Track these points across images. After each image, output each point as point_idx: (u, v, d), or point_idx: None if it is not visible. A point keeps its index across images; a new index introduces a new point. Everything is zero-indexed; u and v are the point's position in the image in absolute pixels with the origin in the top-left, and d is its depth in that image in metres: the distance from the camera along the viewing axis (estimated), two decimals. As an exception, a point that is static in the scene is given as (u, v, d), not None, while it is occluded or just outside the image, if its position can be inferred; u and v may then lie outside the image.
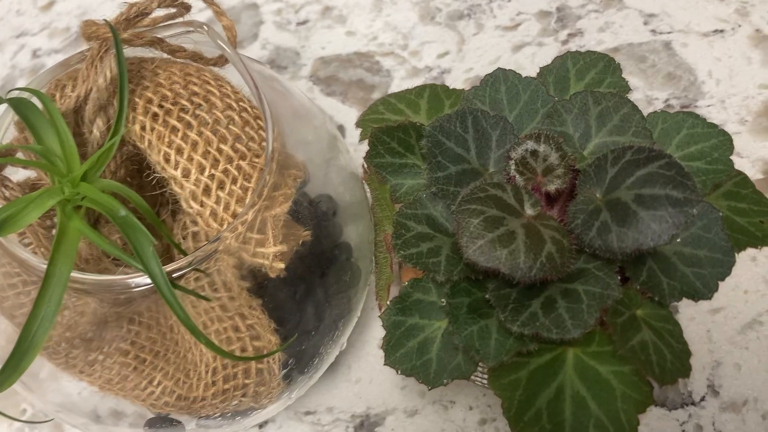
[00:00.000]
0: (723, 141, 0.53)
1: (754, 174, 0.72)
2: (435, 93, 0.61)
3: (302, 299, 0.56)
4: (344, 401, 0.66)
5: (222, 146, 0.46)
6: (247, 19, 0.87)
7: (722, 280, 0.48)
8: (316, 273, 0.57)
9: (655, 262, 0.49)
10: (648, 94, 0.78)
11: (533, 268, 0.45)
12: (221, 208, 0.45)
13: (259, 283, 0.54)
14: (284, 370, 0.55)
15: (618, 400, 0.47)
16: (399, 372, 0.50)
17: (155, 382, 0.57)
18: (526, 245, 0.46)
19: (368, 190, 0.58)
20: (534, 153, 0.52)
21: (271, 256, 0.46)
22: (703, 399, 0.63)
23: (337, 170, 0.58)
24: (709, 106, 0.77)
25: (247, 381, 0.54)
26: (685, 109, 0.78)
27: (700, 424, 0.62)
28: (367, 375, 0.67)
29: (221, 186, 0.45)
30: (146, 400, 0.56)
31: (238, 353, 0.54)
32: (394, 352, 0.50)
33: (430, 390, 0.48)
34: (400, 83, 0.82)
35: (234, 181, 0.45)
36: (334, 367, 0.67)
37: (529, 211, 0.49)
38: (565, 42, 0.82)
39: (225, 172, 0.45)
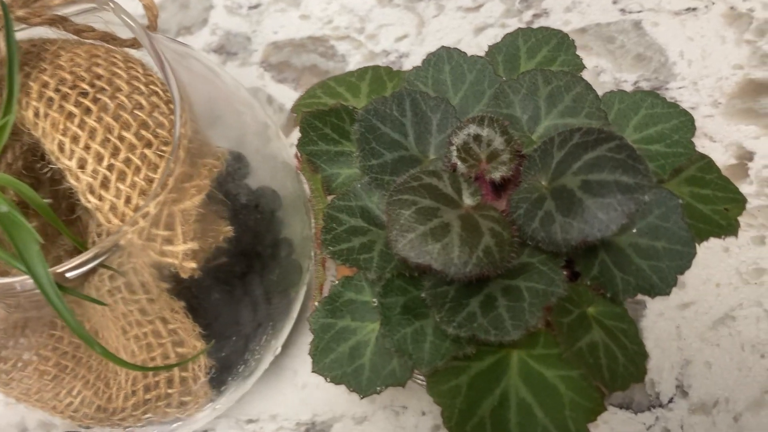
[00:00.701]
0: (684, 122, 0.49)
1: (726, 159, 0.68)
2: (377, 75, 0.56)
3: (230, 301, 0.51)
4: (289, 408, 0.61)
5: (124, 133, 0.41)
6: (197, 4, 0.83)
7: (681, 273, 0.44)
8: (246, 272, 0.52)
9: (608, 255, 0.45)
10: (616, 77, 0.74)
11: (468, 264, 0.41)
12: (122, 201, 0.40)
13: (181, 285, 0.49)
14: (212, 378, 0.51)
15: (566, 407, 0.42)
16: (328, 380, 0.45)
17: (75, 392, 0.52)
18: (461, 238, 0.41)
19: (305, 181, 0.53)
20: (477, 138, 0.47)
21: (181, 254, 0.41)
22: (671, 400, 0.58)
23: (271, 161, 0.54)
24: (680, 88, 0.73)
25: (170, 390, 0.50)
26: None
27: (667, 427, 0.58)
28: (314, 380, 0.62)
29: (122, 177, 0.41)
30: (64, 411, 0.52)
31: (159, 360, 0.49)
32: (323, 357, 0.45)
33: (362, 398, 0.44)
34: (355, 68, 0.77)
35: (137, 172, 0.41)
36: (278, 372, 0.62)
37: (468, 201, 0.44)
38: (530, 23, 0.78)
39: (126, 161, 0.41)
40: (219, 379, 0.51)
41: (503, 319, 0.41)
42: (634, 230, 0.45)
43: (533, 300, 0.42)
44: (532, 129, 0.49)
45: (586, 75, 0.73)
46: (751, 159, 0.68)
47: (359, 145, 0.47)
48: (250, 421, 0.61)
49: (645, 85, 0.73)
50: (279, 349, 0.55)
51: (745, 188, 0.66)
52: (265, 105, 0.76)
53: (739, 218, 0.64)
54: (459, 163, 0.47)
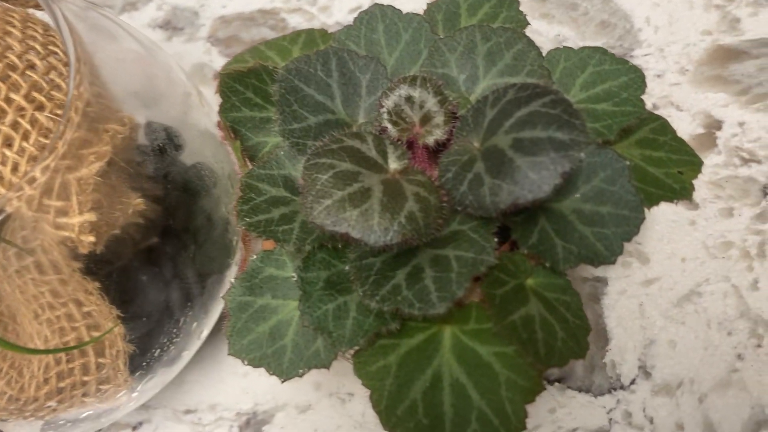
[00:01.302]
0: (634, 78, 0.45)
1: (694, 129, 0.64)
2: (311, 38, 0.53)
3: (150, 282, 0.48)
4: (229, 397, 0.58)
5: (13, 95, 0.38)
6: (144, -21, 0.79)
7: (628, 240, 0.40)
8: (169, 251, 0.49)
9: (549, 222, 0.41)
10: (579, 45, 0.70)
11: (389, 231, 0.37)
12: (8, 169, 0.36)
13: (96, 264, 0.46)
14: (132, 364, 0.47)
15: (502, 387, 0.39)
16: (246, 362, 0.42)
17: (-14, 382, 0.49)
18: (383, 204, 0.38)
19: (231, 152, 0.50)
20: (409, 99, 0.44)
21: (77, 227, 0.37)
22: (633, 382, 0.55)
23: (209, 137, 0.50)
24: (646, 55, 0.69)
25: (85, 378, 0.46)
26: (619, 60, 0.69)
27: (629, 410, 0.54)
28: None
29: (8, 143, 0.37)
30: (-24, 403, 0.48)
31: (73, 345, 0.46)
32: (241, 339, 0.42)
33: (283, 382, 0.40)
34: (306, 42, 0.74)
35: (26, 137, 0.37)
36: (218, 360, 0.59)
37: (394, 165, 0.41)
38: (489, -9, 0.73)
39: (14, 125, 0.37)
40: (140, 365, 0.47)
41: (429, 291, 0.38)
42: (578, 195, 0.42)
43: (461, 270, 0.38)
44: (470, 89, 0.46)
45: (548, 45, 0.69)
46: (719, 128, 0.64)
47: (279, 108, 0.43)
48: (188, 411, 0.58)
49: (609, 53, 0.69)
50: (205, 333, 0.51)
51: (713, 158, 0.63)
52: (210, 82, 0.73)
53: (707, 190, 0.60)
54: (390, 127, 0.44)
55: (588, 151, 0.42)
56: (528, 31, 0.47)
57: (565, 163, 0.36)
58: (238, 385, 0.58)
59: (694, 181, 0.62)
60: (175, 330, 0.47)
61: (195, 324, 0.49)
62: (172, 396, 0.58)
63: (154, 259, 0.49)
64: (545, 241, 0.41)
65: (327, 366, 0.41)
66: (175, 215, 0.50)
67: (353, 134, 0.41)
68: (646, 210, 0.42)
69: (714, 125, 0.64)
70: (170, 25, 0.77)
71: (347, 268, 0.40)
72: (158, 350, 0.47)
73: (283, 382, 0.41)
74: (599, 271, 0.59)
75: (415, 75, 0.44)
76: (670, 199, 0.43)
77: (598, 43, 0.70)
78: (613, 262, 0.40)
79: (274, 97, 0.43)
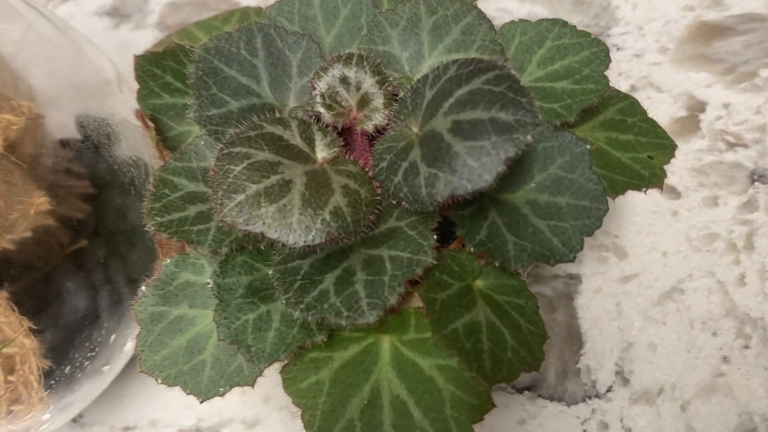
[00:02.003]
0: (596, 53, 0.40)
1: (676, 111, 0.59)
2: (246, 17, 0.48)
3: (66, 288, 0.43)
4: (171, 412, 0.53)
5: None
6: (92, -35, 0.74)
7: (589, 234, 0.35)
8: (88, 257, 0.44)
9: (501, 216, 0.36)
10: (552, 24, 0.65)
11: (311, 230, 0.32)
12: None
13: (3, 270, 0.41)
14: (47, 380, 0.42)
15: (446, 405, 0.34)
16: (159, 381, 0.37)
17: None
18: (304, 198, 0.33)
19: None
20: (344, 80, 0.39)
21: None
22: (609, 389, 0.50)
23: (120, 122, 0.45)
24: (624, 34, 0.64)
25: (-7, 398, 0.41)
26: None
27: (605, 420, 0.49)
28: (201, 378, 0.54)
29: None
30: None
31: (-23, 362, 0.41)
32: (153, 354, 0.37)
33: (201, 402, 0.35)
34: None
35: None
36: (159, 371, 0.54)
37: (323, 154, 0.36)
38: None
39: None
40: (57, 382, 0.42)
41: (359, 297, 0.33)
42: (533, 184, 0.37)
43: (395, 272, 0.33)
44: (414, 68, 0.41)
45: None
46: (702, 110, 0.59)
47: (195, 92, 0.38)
48: (127, 428, 0.53)
49: (584, 33, 0.64)
50: (129, 345, 0.46)
51: (696, 143, 0.58)
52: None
53: (690, 177, 0.56)
54: (324, 111, 0.39)
55: (544, 134, 0.37)
56: (496, 10, 0.42)
57: (509, 148, 0.31)
58: (181, 399, 0.53)
59: (677, 169, 0.57)
60: (88, 343, 0.42)
61: (113, 336, 0.44)
62: (109, 412, 0.53)
63: (71, 264, 0.44)
64: (495, 238, 0.36)
65: (251, 384, 0.37)
66: (96, 216, 0.45)
67: (275, 120, 0.36)
68: (611, 200, 0.38)
69: (697, 107, 0.59)
70: (118, 13, 0.72)
71: (271, 272, 0.35)
72: (75, 365, 0.42)
73: (201, 402, 0.36)
74: (572, 268, 0.54)
75: (351, 53, 0.39)
76: (638, 187, 0.38)
77: (572, 21, 0.65)
78: (572, 260, 0.35)
79: (190, 79, 0.39)
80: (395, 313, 0.35)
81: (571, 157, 0.36)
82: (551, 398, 0.50)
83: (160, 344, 0.37)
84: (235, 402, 0.53)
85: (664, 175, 0.39)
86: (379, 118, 0.39)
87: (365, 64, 0.39)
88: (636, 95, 0.61)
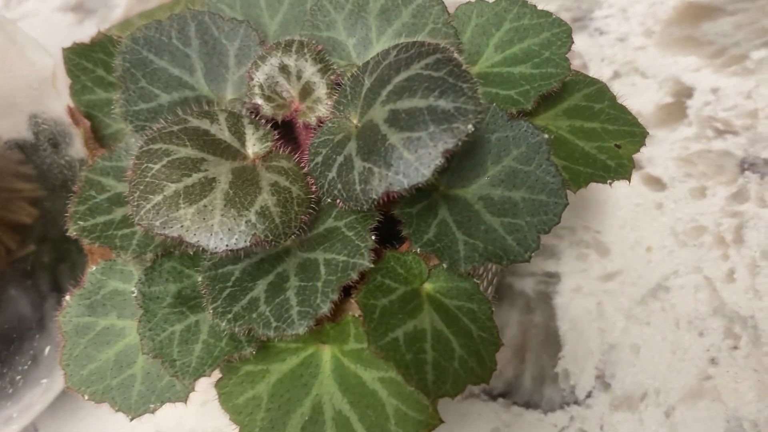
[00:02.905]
0: (558, 34, 0.37)
1: (661, 98, 0.56)
2: (193, 3, 0.45)
3: (9, 298, 0.40)
4: (128, 424, 0.50)
5: None
6: (58, -41, 0.71)
7: (546, 231, 0.32)
8: (18, 260, 0.41)
9: (452, 213, 0.33)
10: (532, 9, 0.61)
11: (234, 233, 0.29)
12: None
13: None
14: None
15: (390, 420, 0.31)
16: (86, 397, 0.34)
17: None
18: (228, 198, 0.30)
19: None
20: (284, 69, 0.36)
21: None
22: (589, 395, 0.47)
23: (56, 121, 0.42)
24: (607, 17, 0.61)
25: None
26: (577, 23, 0.61)
27: (584, 429, 0.46)
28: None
29: None
30: None
31: None
32: (80, 368, 0.34)
33: (131, 420, 0.33)
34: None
35: None
36: (117, 381, 0.51)
37: (255, 149, 0.33)
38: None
39: None
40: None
41: (290, 305, 0.30)
42: (486, 178, 0.34)
43: (329, 277, 0.30)
44: (362, 55, 0.38)
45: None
46: (689, 95, 0.56)
47: (122, 85, 0.36)
48: (83, 442, 0.50)
49: (566, 16, 0.61)
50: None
51: (683, 131, 0.54)
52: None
53: (676, 167, 0.52)
54: (263, 103, 0.36)
55: (498, 124, 0.34)
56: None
57: (448, 139, 0.28)
58: (140, 410, 0.51)
59: (662, 159, 0.54)
60: (19, 356, 0.40)
61: (48, 348, 0.41)
62: (64, 424, 0.51)
63: (17, 271, 0.42)
64: (444, 237, 0.33)
65: (183, 400, 0.34)
66: (45, 220, 0.42)
67: (202, 113, 0.33)
68: (584, 193, 0.34)
69: (684, 93, 0.56)
70: (82, 8, 0.69)
71: (200, 279, 0.33)
72: (11, 376, 0.40)
73: (131, 420, 0.34)
74: (551, 266, 0.51)
75: (291, 39, 0.36)
76: (602, 179, 0.35)
77: (553, 5, 0.62)
78: (527, 260, 0.32)
79: (116, 72, 0.36)
80: (334, 322, 0.32)
81: (527, 147, 0.33)
82: (527, 405, 0.47)
83: (86, 358, 0.34)
84: (194, 412, 0.50)
85: (632, 165, 0.36)
86: (322, 110, 0.36)
87: (306, 51, 0.36)
88: (619, 82, 0.58)
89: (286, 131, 0.37)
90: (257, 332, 0.30)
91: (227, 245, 0.29)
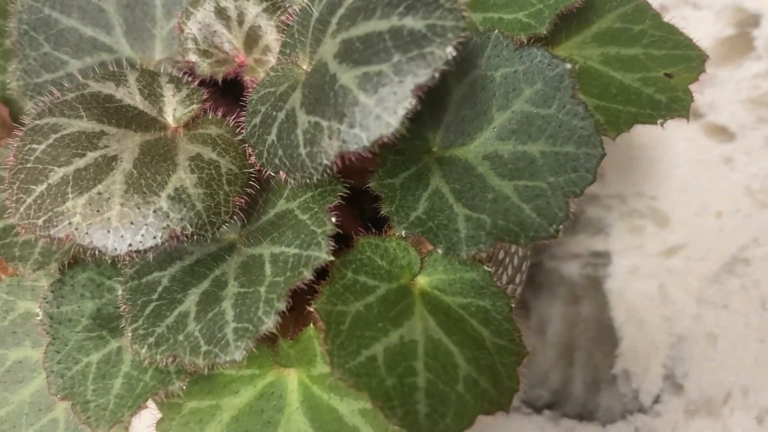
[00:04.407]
0: (577, -65, 0.28)
1: (720, 30, 0.46)
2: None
3: None
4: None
5: None
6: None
7: (577, 194, 0.24)
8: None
9: (448, 180, 0.25)
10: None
11: (140, 227, 0.22)
12: None
13: None
14: None
15: (379, 469, 0.22)
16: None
17: None
18: (131, 181, 0.22)
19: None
20: (221, 14, 0.28)
21: None
22: (657, 400, 0.38)
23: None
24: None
25: None
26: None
27: (653, 443, 0.37)
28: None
29: None
30: None
31: None
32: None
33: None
34: None
35: None
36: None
37: (177, 114, 0.25)
38: None
39: None
40: None
41: (225, 321, 0.22)
42: (492, 130, 0.25)
43: (276, 279, 0.22)
44: (323, -10, 0.29)
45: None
46: (756, 24, 0.46)
47: (19, 53, 0.28)
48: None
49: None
50: None
51: (750, 67, 0.44)
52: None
53: (745, 111, 0.43)
54: (198, 60, 0.28)
55: (503, 56, 0.25)
56: None
57: (419, 70, 0.20)
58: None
59: (727, 102, 0.44)
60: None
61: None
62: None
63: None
64: (438, 213, 0.24)
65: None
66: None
67: (105, 75, 0.25)
68: (612, 142, 0.25)
69: (749, 22, 0.46)
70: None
71: (120, 292, 0.25)
72: None
73: (52, 479, 0.26)
74: (598, 243, 0.42)
75: (228, -24, 0.28)
76: (650, 119, 0.26)
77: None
78: (555, 236, 0.23)
79: (11, 37, 0.28)
80: (292, 338, 0.23)
81: (543, 84, 0.25)
82: (580, 417, 0.39)
83: (-4, 403, 0.27)
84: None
85: (689, 98, 0.27)
86: (273, 61, 0.27)
87: (248, -13, 0.28)
88: (667, 16, 0.48)
89: (233, 94, 0.29)
90: (183, 361, 0.22)
91: (131, 245, 0.21)
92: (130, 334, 0.23)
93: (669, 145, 0.44)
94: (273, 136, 0.23)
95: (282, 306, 0.22)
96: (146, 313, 0.24)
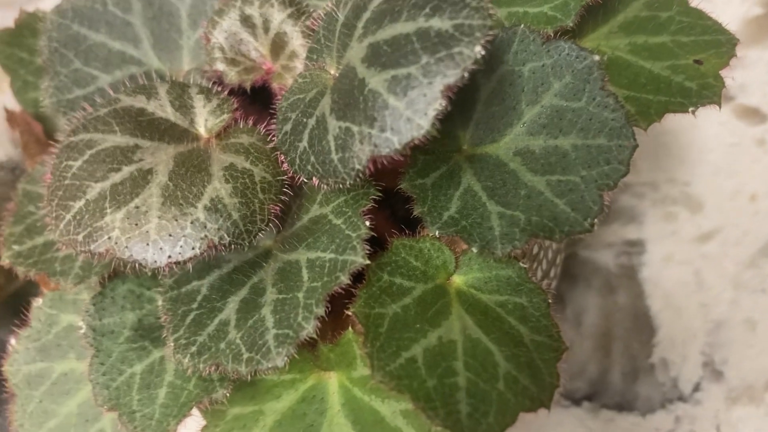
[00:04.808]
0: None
1: (748, 9, 0.45)
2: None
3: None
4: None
5: None
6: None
7: (611, 186, 0.24)
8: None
9: (480, 178, 0.25)
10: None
11: (178, 239, 0.22)
12: None
13: None
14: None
15: (423, 469, 0.22)
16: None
17: None
18: (167, 193, 0.22)
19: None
20: (247, 21, 0.28)
21: None
22: (697, 388, 0.38)
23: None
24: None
25: None
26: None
27: (694, 430, 0.36)
28: None
29: None
30: None
31: None
32: (36, 428, 0.27)
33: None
34: None
35: None
36: None
37: (208, 125, 0.25)
38: None
39: None
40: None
41: (265, 327, 0.23)
42: (522, 126, 0.25)
43: (313, 284, 0.22)
44: (347, -8, 0.29)
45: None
46: (784, 2, 0.45)
47: (50, 70, 0.29)
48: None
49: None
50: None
51: (780, 47, 0.43)
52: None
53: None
54: (226, 69, 0.28)
55: (531, 51, 0.25)
56: None
57: (448, 71, 0.20)
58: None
59: (759, 84, 0.43)
60: None
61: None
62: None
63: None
64: (472, 212, 0.24)
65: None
66: None
67: (137, 88, 0.26)
68: (643, 133, 0.25)
69: (777, 0, 0.45)
70: None
71: (160, 302, 0.25)
72: None
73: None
74: (632, 232, 0.42)
75: (252, -16, 0.28)
76: (682, 108, 0.26)
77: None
78: (590, 230, 0.23)
79: (42, 55, 0.29)
80: (331, 342, 0.24)
81: (572, 77, 0.25)
82: (619, 408, 0.38)
83: (43, 414, 0.27)
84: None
85: (721, 84, 0.26)
86: (300, 66, 0.28)
87: (272, -7, 0.28)
88: (694, 1, 0.47)
89: (262, 102, 0.29)
90: (226, 369, 0.22)
91: (170, 257, 0.22)
92: (172, 344, 0.24)
93: (700, 129, 0.44)
94: (305, 143, 0.23)
95: (321, 311, 0.22)
96: (187, 322, 0.24)
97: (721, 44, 0.28)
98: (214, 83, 0.28)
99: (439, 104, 0.20)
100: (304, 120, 0.23)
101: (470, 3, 0.21)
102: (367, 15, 0.23)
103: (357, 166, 0.21)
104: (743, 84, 0.44)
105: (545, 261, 0.33)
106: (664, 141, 0.44)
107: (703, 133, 0.44)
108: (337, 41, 0.24)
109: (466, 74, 0.20)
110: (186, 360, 0.23)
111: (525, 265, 0.25)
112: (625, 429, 0.38)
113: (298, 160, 0.23)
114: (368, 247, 0.22)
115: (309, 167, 0.23)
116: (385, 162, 0.21)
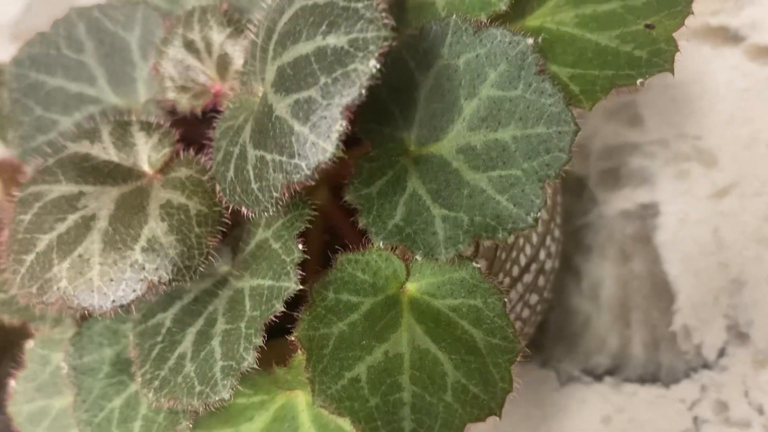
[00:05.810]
0: None
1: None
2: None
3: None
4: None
5: None
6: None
7: (553, 176, 0.23)
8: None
9: (424, 181, 0.24)
10: None
11: (119, 283, 0.23)
12: None
13: None
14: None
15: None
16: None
17: None
18: (107, 238, 0.23)
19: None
20: (191, 46, 0.28)
21: None
22: (722, 354, 0.36)
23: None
24: None
25: None
26: None
27: (722, 399, 0.35)
28: None
29: None
30: None
31: None
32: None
33: None
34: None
35: None
36: None
37: (152, 161, 0.26)
38: None
39: None
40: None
41: (214, 359, 0.23)
42: (463, 122, 0.24)
43: (254, 313, 0.22)
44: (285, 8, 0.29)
45: None
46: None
47: (14, 121, 0.30)
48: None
49: None
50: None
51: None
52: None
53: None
54: (176, 96, 0.29)
55: (463, 42, 0.24)
56: None
57: (345, 90, 0.19)
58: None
59: (760, 17, 0.40)
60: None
61: None
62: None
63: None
64: (415, 218, 0.24)
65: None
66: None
67: (81, 133, 0.26)
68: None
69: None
70: None
71: (131, 337, 0.26)
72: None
73: None
74: (643, 195, 0.40)
75: (190, 10, 0.28)
76: (628, 81, 0.24)
77: None
78: (532, 225, 0.23)
79: (5, 108, 0.30)
80: (283, 366, 0.24)
81: (507, 64, 0.24)
82: (642, 380, 0.37)
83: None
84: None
85: (673, 48, 0.24)
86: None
87: (209, 17, 0.28)
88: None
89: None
90: (181, 404, 0.23)
91: (114, 301, 0.22)
92: (139, 379, 0.25)
93: (709, 77, 0.41)
94: (231, 173, 0.23)
95: (259, 341, 0.22)
96: (152, 356, 0.25)
97: (676, 2, 0.26)
98: (169, 112, 0.29)
99: (340, 125, 0.20)
100: (231, 149, 0.23)
101: (364, 14, 0.20)
102: (275, 38, 0.22)
103: (275, 194, 0.21)
104: (754, 21, 0.41)
105: (528, 246, 0.32)
106: (672, 95, 0.42)
107: (712, 81, 0.41)
108: (258, 64, 0.24)
109: (364, 92, 0.20)
110: (150, 395, 0.24)
111: (478, 265, 0.24)
112: (649, 402, 0.37)
113: (228, 190, 0.23)
114: (301, 272, 0.22)
115: (236, 197, 0.23)
116: (297, 188, 0.21)
